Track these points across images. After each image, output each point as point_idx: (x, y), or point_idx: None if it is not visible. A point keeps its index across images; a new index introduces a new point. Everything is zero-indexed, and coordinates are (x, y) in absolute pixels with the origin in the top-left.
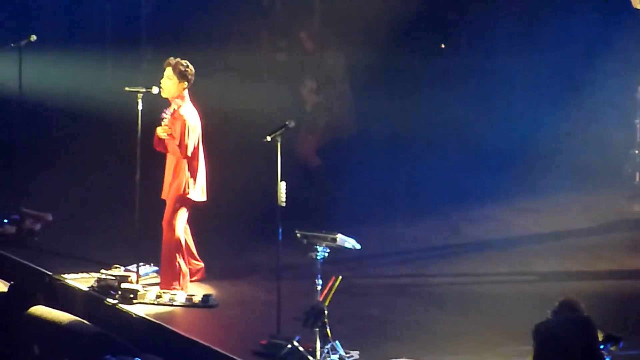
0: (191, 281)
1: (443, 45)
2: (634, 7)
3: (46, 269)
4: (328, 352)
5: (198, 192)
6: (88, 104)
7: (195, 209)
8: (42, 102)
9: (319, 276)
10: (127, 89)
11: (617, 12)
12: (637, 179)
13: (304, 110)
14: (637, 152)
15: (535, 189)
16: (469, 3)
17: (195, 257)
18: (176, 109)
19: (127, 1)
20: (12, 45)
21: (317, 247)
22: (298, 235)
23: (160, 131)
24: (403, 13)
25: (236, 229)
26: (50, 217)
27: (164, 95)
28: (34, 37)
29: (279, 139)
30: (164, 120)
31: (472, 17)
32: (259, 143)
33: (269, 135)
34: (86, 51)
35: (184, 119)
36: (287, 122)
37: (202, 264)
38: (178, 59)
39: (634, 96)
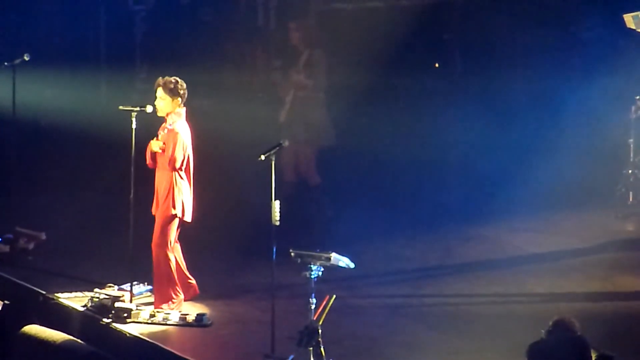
0: (185, 300)
1: (437, 65)
2: (628, 27)
3: (40, 288)
4: None
5: (186, 211)
6: (82, 123)
7: (189, 227)
8: (36, 121)
9: (313, 295)
10: (121, 107)
11: (613, 33)
12: (631, 199)
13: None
14: (630, 171)
15: (528, 209)
16: (463, 23)
17: (185, 274)
18: (171, 124)
19: (122, 20)
20: (5, 64)
21: (311, 266)
22: (292, 254)
23: (155, 145)
24: (400, 33)
25: (230, 248)
26: (44, 236)
27: (159, 114)
28: (27, 57)
29: (273, 158)
30: (159, 135)
31: (467, 37)
32: (253, 162)
33: (263, 154)
34: (81, 70)
35: (176, 133)
36: (281, 142)
37: (194, 281)
38: (167, 78)
39: (627, 117)
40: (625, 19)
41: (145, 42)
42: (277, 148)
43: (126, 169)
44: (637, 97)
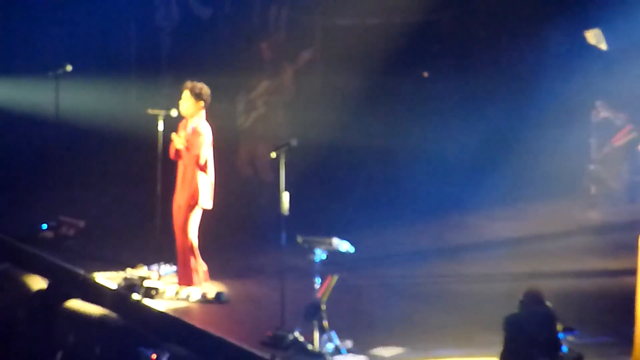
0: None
1: (426, 74)
2: (589, 42)
3: (79, 269)
4: (325, 342)
5: (207, 200)
6: (116, 124)
7: (209, 217)
8: (75, 123)
9: (318, 276)
10: (149, 111)
11: (577, 47)
12: (593, 191)
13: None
14: (592, 167)
15: (504, 200)
16: (449, 38)
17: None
18: (195, 126)
19: (150, 35)
20: (50, 73)
21: (316, 250)
22: (299, 240)
23: (177, 141)
24: (394, 46)
25: (245, 235)
26: (82, 224)
27: (183, 114)
28: (69, 67)
29: (282, 155)
30: (179, 131)
31: (452, 50)
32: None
33: (274, 151)
34: (114, 78)
35: (200, 134)
36: (289, 141)
37: (204, 265)
38: (194, 82)
39: (588, 119)
40: (586, 36)
41: (170, 54)
42: (286, 146)
43: (153, 165)
44: (597, 102)
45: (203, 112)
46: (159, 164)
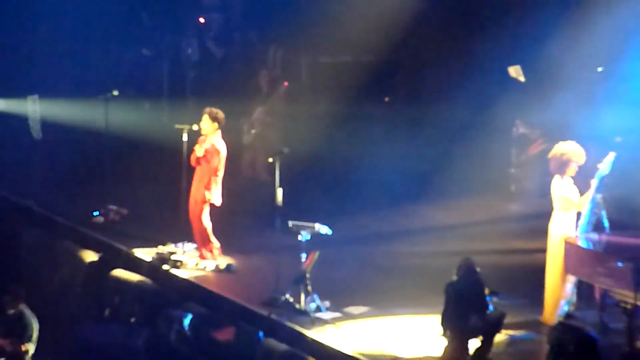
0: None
1: (386, 99)
2: (511, 76)
3: (123, 246)
4: (309, 302)
5: (218, 198)
6: (151, 136)
7: (221, 207)
8: (120, 135)
9: (304, 252)
10: (176, 126)
11: (502, 79)
12: (513, 189)
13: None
14: (513, 170)
15: (446, 195)
16: (406, 72)
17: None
18: (213, 143)
19: (178, 67)
20: (101, 97)
21: (302, 232)
22: (290, 224)
23: (199, 151)
24: (362, 78)
25: (249, 221)
26: (125, 212)
27: (202, 132)
28: (116, 92)
29: (277, 160)
30: (200, 143)
31: (409, 81)
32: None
33: (271, 157)
34: (150, 101)
35: (218, 150)
36: (283, 149)
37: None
38: (212, 108)
39: (510, 133)
40: (509, 71)
41: (193, 82)
42: (280, 153)
43: (179, 167)
44: (517, 121)
45: (219, 132)
46: (184, 167)
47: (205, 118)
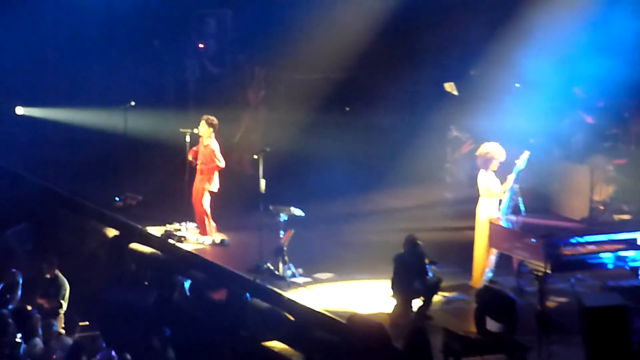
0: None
1: (348, 109)
2: (446, 90)
3: (138, 224)
4: (286, 270)
5: (215, 186)
6: (161, 137)
7: (218, 195)
8: (135, 137)
9: (282, 230)
10: (181, 130)
11: (438, 92)
12: (447, 180)
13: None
14: (448, 165)
15: (394, 185)
16: (363, 84)
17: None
18: (209, 144)
19: (182, 82)
20: (120, 106)
21: (281, 214)
22: (271, 208)
23: (190, 154)
24: (328, 91)
25: (238, 205)
26: (140, 197)
27: (200, 134)
28: (133, 103)
29: (260, 157)
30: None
31: (364, 94)
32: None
33: (256, 155)
34: (160, 110)
35: (212, 150)
36: (265, 148)
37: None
38: (208, 116)
39: (446, 136)
40: (445, 86)
41: (194, 95)
42: (263, 151)
43: (183, 163)
44: (451, 126)
45: (213, 135)
46: (187, 163)
47: (203, 124)
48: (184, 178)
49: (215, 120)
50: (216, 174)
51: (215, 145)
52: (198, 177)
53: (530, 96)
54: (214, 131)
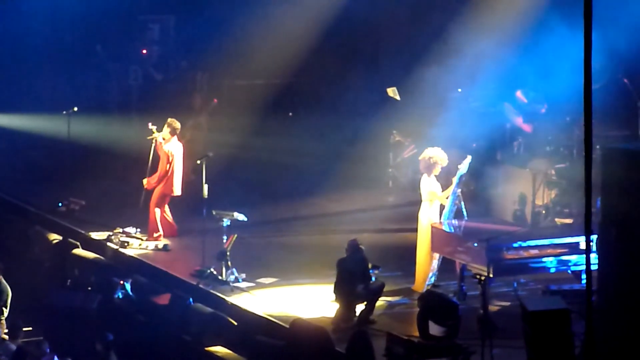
0: (168, 235)
1: (290, 114)
2: (389, 95)
3: (81, 230)
4: (229, 274)
5: (178, 188)
6: (103, 143)
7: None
8: (79, 141)
9: (225, 235)
10: (149, 138)
11: (382, 98)
12: (390, 184)
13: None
14: (390, 170)
15: (337, 190)
16: (306, 90)
17: (171, 222)
18: (169, 147)
19: (125, 88)
20: (64, 112)
21: (224, 219)
22: (214, 212)
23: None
24: (271, 97)
25: (182, 210)
26: (83, 202)
27: (163, 137)
28: (76, 108)
29: (203, 162)
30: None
31: (307, 98)
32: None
33: (198, 160)
34: (101, 115)
35: (166, 153)
36: (208, 153)
37: (175, 226)
38: (171, 119)
39: (388, 140)
40: (388, 91)
41: (138, 100)
42: (206, 156)
43: (143, 167)
44: (394, 131)
45: (175, 138)
46: (148, 166)
47: (165, 128)
48: (141, 182)
49: (177, 124)
50: (176, 175)
51: (173, 148)
52: (159, 177)
53: (471, 102)
54: (176, 132)
